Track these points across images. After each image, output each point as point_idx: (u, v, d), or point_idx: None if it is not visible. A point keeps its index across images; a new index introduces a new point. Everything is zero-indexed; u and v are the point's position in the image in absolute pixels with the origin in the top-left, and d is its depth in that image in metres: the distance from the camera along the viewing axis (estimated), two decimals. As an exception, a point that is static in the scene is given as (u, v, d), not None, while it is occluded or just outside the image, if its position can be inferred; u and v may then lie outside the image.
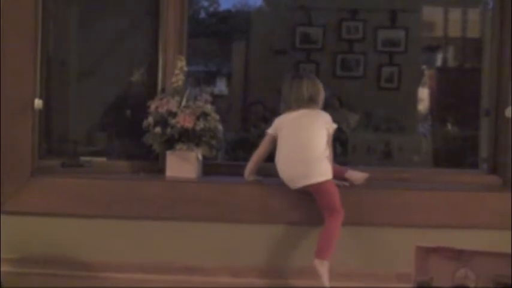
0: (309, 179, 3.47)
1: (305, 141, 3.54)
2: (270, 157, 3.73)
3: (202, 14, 9.50)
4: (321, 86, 3.70)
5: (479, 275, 2.81)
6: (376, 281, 3.51)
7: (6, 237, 3.55)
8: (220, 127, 3.79)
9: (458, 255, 2.84)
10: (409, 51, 7.92)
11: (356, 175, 3.69)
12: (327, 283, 3.36)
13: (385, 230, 3.55)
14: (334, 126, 3.63)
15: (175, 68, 3.79)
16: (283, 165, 3.54)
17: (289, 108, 3.64)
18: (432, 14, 8.49)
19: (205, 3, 9.68)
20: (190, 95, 3.76)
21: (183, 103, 3.71)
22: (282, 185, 3.55)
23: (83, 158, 3.99)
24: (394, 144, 7.16)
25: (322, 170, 3.48)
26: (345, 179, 3.67)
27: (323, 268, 3.36)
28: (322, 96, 3.68)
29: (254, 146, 3.76)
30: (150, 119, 3.71)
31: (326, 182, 3.48)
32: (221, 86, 8.97)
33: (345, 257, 3.53)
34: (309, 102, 3.63)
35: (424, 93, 8.42)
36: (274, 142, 3.62)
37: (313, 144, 3.52)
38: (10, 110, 3.64)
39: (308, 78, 3.74)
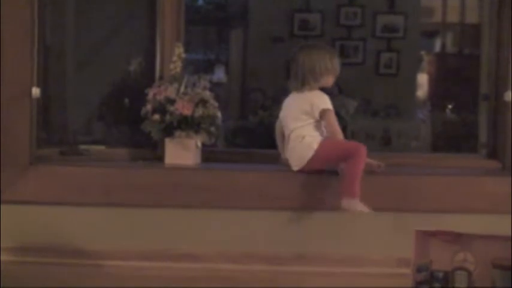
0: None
1: None
2: (269, 144, 3.72)
3: (200, 2, 9.49)
4: (312, 59, 3.56)
5: (478, 258, 2.81)
6: (375, 266, 3.52)
7: (5, 226, 3.55)
8: (219, 114, 3.78)
9: (457, 238, 2.84)
10: (408, 37, 7.92)
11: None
12: (366, 210, 3.33)
13: (384, 215, 3.54)
14: None
15: (173, 55, 3.78)
16: None
17: None
18: (431, -1, 8.49)
19: (203, -9, 9.66)
20: (188, 81, 3.75)
21: (182, 90, 3.70)
22: (281, 171, 3.55)
23: (81, 147, 3.99)
24: (393, 130, 7.17)
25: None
26: None
27: (353, 207, 3.33)
28: (307, 70, 3.56)
29: (253, 133, 3.75)
30: (149, 107, 3.71)
31: (315, 154, 3.46)
32: (220, 74, 8.95)
33: (343, 242, 3.54)
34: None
35: (423, 79, 8.42)
36: None
37: None
38: (7, 98, 3.64)
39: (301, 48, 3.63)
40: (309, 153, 3.46)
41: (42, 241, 3.59)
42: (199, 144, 3.76)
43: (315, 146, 3.47)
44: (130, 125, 4.00)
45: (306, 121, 3.52)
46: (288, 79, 3.65)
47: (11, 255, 3.56)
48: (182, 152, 3.72)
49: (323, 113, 3.52)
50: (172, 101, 3.67)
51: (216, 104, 3.76)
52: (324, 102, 3.54)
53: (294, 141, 3.52)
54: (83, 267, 3.53)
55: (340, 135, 3.55)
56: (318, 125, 3.54)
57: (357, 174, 3.36)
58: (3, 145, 3.63)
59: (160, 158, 3.78)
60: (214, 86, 4.30)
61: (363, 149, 3.42)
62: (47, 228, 3.62)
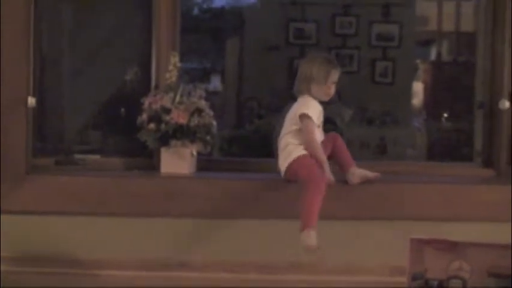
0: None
1: None
2: (265, 153, 3.72)
3: (196, 11, 9.51)
4: (303, 66, 3.54)
5: (473, 267, 2.82)
6: (370, 275, 3.52)
7: (2, 236, 3.54)
8: (214, 123, 3.78)
9: (452, 247, 2.85)
10: (403, 46, 7.93)
11: (360, 174, 3.53)
12: (312, 245, 3.16)
13: (379, 223, 3.55)
14: None
15: (169, 64, 3.79)
16: None
17: None
18: (426, 7, 8.50)
19: (199, 0, 9.68)
20: (184, 91, 3.76)
21: (177, 99, 3.71)
22: (276, 179, 3.55)
23: (77, 156, 3.99)
24: (389, 138, 7.18)
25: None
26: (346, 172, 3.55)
27: (307, 239, 3.15)
28: (300, 77, 3.52)
29: (249, 142, 3.76)
30: (144, 116, 3.71)
31: (290, 165, 3.43)
32: (215, 83, 8.97)
33: (338, 250, 3.54)
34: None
35: (418, 87, 8.43)
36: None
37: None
38: (3, 108, 3.64)
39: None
40: (286, 163, 3.45)
41: (38, 251, 3.59)
42: (194, 153, 3.77)
43: (292, 157, 3.43)
44: (126, 134, 4.00)
45: (291, 128, 3.49)
46: (285, 87, 3.66)
47: (8, 265, 3.55)
48: (178, 161, 3.72)
49: (301, 118, 3.44)
50: (167, 110, 3.67)
51: (212, 113, 3.76)
52: (306, 107, 3.45)
53: (280, 148, 3.51)
54: (79, 277, 3.52)
55: (314, 144, 3.42)
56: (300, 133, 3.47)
57: (310, 206, 3.21)
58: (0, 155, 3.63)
59: (156, 167, 3.78)
60: (210, 95, 4.30)
61: (321, 183, 3.28)
62: (42, 238, 3.61)
